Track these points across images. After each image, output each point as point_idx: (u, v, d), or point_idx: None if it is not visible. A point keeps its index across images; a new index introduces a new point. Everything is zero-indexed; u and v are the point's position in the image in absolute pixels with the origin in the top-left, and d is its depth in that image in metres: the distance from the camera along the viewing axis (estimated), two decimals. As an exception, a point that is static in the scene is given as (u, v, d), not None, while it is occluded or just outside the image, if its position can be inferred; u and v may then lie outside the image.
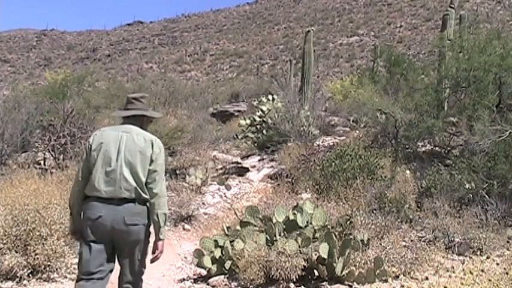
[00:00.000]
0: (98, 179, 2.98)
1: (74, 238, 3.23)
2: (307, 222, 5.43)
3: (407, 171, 8.65)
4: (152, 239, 3.14)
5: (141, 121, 3.21)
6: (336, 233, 5.22)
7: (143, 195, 3.02)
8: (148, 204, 3.05)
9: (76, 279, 3.04)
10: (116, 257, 3.09)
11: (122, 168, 2.99)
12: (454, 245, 5.89)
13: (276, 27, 61.02)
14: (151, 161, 3.05)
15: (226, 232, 5.67)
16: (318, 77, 32.74)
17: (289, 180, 9.29)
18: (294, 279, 4.61)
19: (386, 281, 4.80)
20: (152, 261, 3.15)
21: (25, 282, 4.09)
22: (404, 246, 5.68)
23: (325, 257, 4.72)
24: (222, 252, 5.23)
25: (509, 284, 4.68)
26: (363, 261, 4.99)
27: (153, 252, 3.12)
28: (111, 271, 3.09)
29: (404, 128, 9.94)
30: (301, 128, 11.93)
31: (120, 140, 3.05)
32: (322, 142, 12.45)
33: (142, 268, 3.13)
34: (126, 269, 3.07)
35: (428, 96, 10.18)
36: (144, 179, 3.01)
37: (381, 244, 5.48)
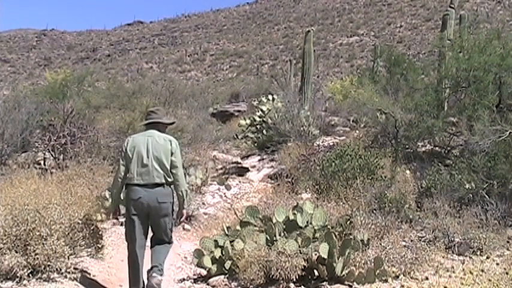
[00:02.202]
0: (136, 171, 4.13)
1: (113, 217, 4.49)
2: (307, 222, 5.43)
3: (407, 171, 8.65)
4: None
5: (158, 126, 4.35)
6: (336, 233, 5.22)
7: (168, 179, 4.17)
8: (173, 185, 4.22)
9: (127, 246, 4.22)
10: (150, 227, 4.24)
11: (152, 162, 4.13)
12: (454, 245, 5.89)
13: (276, 27, 61.01)
14: (172, 153, 4.20)
15: (226, 232, 5.67)
16: (318, 77, 32.71)
17: (289, 180, 9.29)
18: (294, 279, 4.61)
19: (386, 281, 4.80)
20: (179, 223, 4.67)
21: (25, 282, 4.07)
22: (404, 246, 5.68)
23: (325, 257, 4.72)
24: (222, 252, 5.22)
25: (509, 284, 4.68)
26: (363, 261, 4.98)
27: (177, 217, 4.37)
28: (146, 239, 4.23)
29: (404, 128, 9.94)
30: (301, 128, 11.93)
31: (147, 142, 4.21)
32: (322, 142, 12.46)
33: (169, 233, 4.30)
34: (158, 234, 4.25)
35: (428, 96, 10.17)
36: (168, 167, 4.17)
37: (381, 244, 5.47)
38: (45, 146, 9.79)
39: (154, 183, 4.12)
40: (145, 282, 4.19)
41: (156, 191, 4.12)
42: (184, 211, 4.36)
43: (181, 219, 4.40)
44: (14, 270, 4.05)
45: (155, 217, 4.19)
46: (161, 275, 4.18)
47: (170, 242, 4.36)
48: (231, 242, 5.29)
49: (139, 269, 4.18)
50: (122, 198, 4.37)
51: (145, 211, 4.13)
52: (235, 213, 6.54)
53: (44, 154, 10.23)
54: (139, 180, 4.11)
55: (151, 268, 4.16)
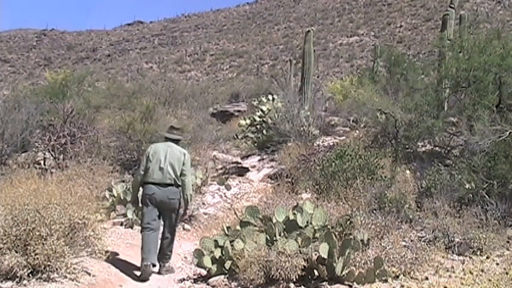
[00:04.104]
0: (153, 172, 5.22)
1: (134, 206, 5.95)
2: (307, 222, 5.42)
3: (407, 171, 8.64)
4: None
5: (177, 142, 5.55)
6: (336, 233, 5.21)
7: (178, 182, 5.30)
8: (181, 188, 5.32)
9: (140, 230, 5.32)
10: (161, 218, 5.29)
11: (167, 167, 5.24)
12: (454, 245, 5.88)
13: (276, 27, 60.98)
14: (183, 164, 5.33)
15: (226, 232, 5.66)
16: (318, 77, 32.73)
17: (289, 180, 9.29)
18: (294, 279, 4.60)
19: (386, 281, 4.79)
20: (182, 219, 6.36)
21: (25, 282, 4.07)
22: (404, 246, 5.68)
23: (325, 257, 4.71)
24: (222, 252, 5.22)
25: (509, 284, 4.67)
26: (363, 261, 4.98)
27: (183, 215, 5.69)
28: (159, 227, 5.31)
29: (404, 128, 9.94)
30: (301, 128, 11.94)
31: (166, 151, 5.32)
32: (322, 142, 12.46)
33: (175, 226, 5.55)
34: (166, 226, 5.37)
35: (428, 96, 10.17)
36: (178, 173, 5.29)
37: (381, 244, 5.47)
38: (45, 146, 9.81)
39: (166, 183, 5.21)
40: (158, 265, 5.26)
41: (167, 190, 5.21)
42: (188, 210, 5.69)
43: (185, 217, 5.84)
44: (14, 270, 4.04)
45: (165, 210, 5.26)
46: (168, 261, 5.42)
47: (173, 236, 5.47)
48: (231, 242, 5.28)
49: (151, 246, 5.12)
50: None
51: (157, 204, 5.20)
52: (235, 213, 6.54)
53: (44, 154, 10.24)
54: (155, 179, 5.18)
55: (160, 254, 5.30)
